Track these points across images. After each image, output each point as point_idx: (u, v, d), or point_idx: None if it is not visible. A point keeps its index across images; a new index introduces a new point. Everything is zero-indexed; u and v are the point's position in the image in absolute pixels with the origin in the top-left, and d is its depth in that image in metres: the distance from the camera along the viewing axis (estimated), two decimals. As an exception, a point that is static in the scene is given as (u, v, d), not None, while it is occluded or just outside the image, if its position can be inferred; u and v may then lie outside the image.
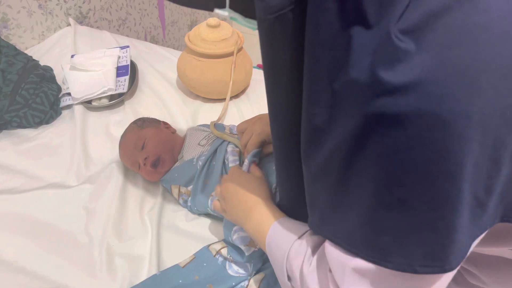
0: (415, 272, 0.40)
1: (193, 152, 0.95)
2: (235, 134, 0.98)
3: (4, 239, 0.87)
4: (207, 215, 0.94)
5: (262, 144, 0.85)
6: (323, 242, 0.53)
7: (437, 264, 0.39)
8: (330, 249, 0.47)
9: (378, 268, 0.42)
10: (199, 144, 0.97)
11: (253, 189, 0.72)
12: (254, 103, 1.27)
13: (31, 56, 1.24)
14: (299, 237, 0.57)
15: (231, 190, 0.74)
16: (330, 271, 0.49)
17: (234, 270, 0.82)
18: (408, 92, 0.33)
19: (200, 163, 0.93)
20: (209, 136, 0.98)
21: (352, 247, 0.44)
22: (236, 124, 1.08)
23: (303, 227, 0.59)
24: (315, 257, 0.53)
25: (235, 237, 0.80)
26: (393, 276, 0.42)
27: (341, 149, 0.40)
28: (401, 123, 0.34)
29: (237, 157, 0.92)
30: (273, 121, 0.54)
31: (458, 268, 0.41)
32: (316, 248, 0.54)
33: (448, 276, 0.43)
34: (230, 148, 0.93)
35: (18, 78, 1.11)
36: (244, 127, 0.90)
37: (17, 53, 1.19)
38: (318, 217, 0.48)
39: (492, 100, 0.34)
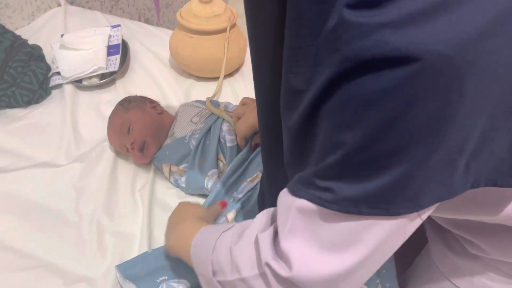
0: (360, 213, 0.39)
1: (185, 129, 0.93)
2: (230, 112, 0.96)
3: (-8, 218, 0.85)
4: (200, 194, 0.92)
5: (255, 132, 0.86)
6: (247, 225, 0.54)
7: (382, 206, 0.38)
8: (281, 197, 0.47)
9: (321, 208, 0.41)
10: (191, 121, 0.95)
11: (184, 214, 0.75)
12: (249, 82, 1.24)
13: (19, 35, 1.21)
14: (224, 231, 0.58)
15: (172, 214, 0.78)
16: (270, 226, 0.50)
17: None
18: (388, 33, 0.31)
19: (194, 142, 0.91)
20: (202, 113, 0.96)
21: (299, 189, 0.43)
22: (231, 102, 1.06)
23: (226, 225, 0.60)
24: (242, 233, 0.54)
25: None
26: (336, 217, 0.41)
27: (310, 103, 0.39)
28: (377, 67, 0.32)
29: (234, 137, 0.90)
30: (257, 88, 0.54)
31: (409, 218, 0.40)
32: (241, 231, 0.54)
33: (396, 224, 0.40)
34: (225, 126, 0.91)
35: (6, 56, 1.09)
36: (241, 112, 0.89)
37: (5, 31, 1.16)
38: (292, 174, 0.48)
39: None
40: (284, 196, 0.46)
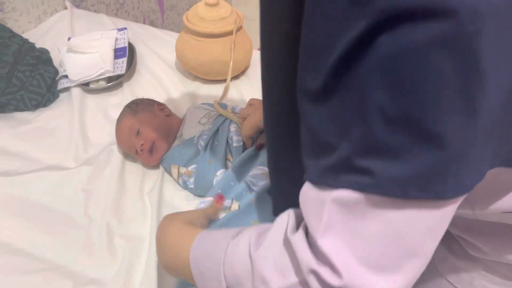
0: (407, 196, 0.34)
1: (193, 130, 0.94)
2: (238, 113, 0.97)
3: (1, 221, 0.86)
4: (208, 196, 0.92)
5: (260, 131, 0.85)
6: (266, 228, 0.48)
7: (432, 188, 0.34)
8: (305, 193, 0.41)
9: (364, 195, 0.36)
10: (199, 122, 0.95)
11: (169, 223, 0.65)
12: (255, 84, 1.25)
13: (27, 39, 1.22)
14: (233, 238, 0.51)
15: (158, 230, 0.67)
16: (297, 230, 0.43)
17: None
18: None
19: (202, 143, 0.92)
20: (209, 115, 0.97)
21: (329, 178, 0.38)
22: (237, 105, 1.07)
23: (231, 230, 0.53)
24: (263, 238, 0.46)
25: None
26: (381, 203, 0.36)
27: (337, 62, 0.34)
28: (418, 18, 0.29)
29: (240, 138, 0.90)
30: (265, 83, 0.53)
31: (456, 203, 0.36)
32: (260, 235, 0.48)
33: (443, 209, 0.36)
34: (233, 127, 0.92)
35: (14, 60, 1.09)
36: (246, 113, 0.89)
37: (12, 35, 1.17)
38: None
39: None
40: (310, 192, 0.40)
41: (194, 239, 0.55)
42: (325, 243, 0.38)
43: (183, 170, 0.92)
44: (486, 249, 0.60)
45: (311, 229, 0.40)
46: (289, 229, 0.44)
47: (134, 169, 0.98)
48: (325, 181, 0.38)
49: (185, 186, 0.92)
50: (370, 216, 0.36)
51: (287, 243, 0.43)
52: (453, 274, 0.69)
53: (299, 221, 0.45)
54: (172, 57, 1.31)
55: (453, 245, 0.67)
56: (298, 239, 0.41)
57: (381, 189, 0.34)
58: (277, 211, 0.58)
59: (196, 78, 1.25)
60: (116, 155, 1.00)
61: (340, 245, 0.38)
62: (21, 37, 1.20)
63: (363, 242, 0.37)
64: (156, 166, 0.98)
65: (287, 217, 0.46)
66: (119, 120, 0.99)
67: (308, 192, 0.41)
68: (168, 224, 0.64)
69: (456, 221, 0.55)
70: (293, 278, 0.41)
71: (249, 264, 0.45)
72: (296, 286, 0.41)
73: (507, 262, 0.58)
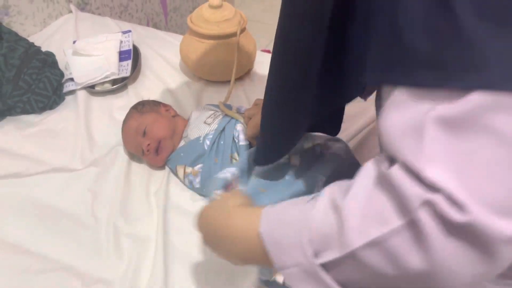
0: None
1: (199, 130, 0.95)
2: (243, 113, 0.98)
3: (9, 222, 0.87)
4: (214, 196, 0.93)
5: None
6: (348, 181, 0.41)
7: None
8: (393, 120, 0.35)
9: (470, 102, 0.30)
10: (205, 122, 0.96)
11: (220, 211, 0.57)
12: (259, 85, 1.25)
13: (32, 43, 1.23)
14: (308, 202, 0.44)
15: (203, 222, 0.60)
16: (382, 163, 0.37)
17: None
18: None
19: (208, 142, 0.92)
20: (215, 115, 0.98)
21: (438, 76, 0.31)
22: (242, 105, 1.08)
23: (301, 198, 0.47)
24: (348, 187, 0.39)
25: None
26: (493, 112, 0.29)
27: None
28: None
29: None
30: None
31: None
32: (343, 186, 0.41)
33: None
34: (239, 127, 0.93)
35: (20, 63, 1.11)
36: (252, 113, 0.90)
37: (19, 38, 1.19)
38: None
39: None
40: (401, 117, 0.34)
41: (261, 214, 0.47)
42: (435, 174, 0.31)
43: (189, 170, 0.92)
44: None
45: (410, 163, 0.33)
46: (383, 167, 0.36)
47: (140, 170, 0.99)
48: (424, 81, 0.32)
49: (191, 186, 0.93)
50: (481, 132, 0.30)
51: (383, 182, 0.36)
52: None
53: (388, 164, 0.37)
54: (176, 59, 1.32)
55: None
56: (400, 172, 0.34)
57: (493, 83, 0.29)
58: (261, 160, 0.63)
59: (200, 79, 1.26)
60: (122, 156, 1.01)
61: (454, 177, 0.31)
62: (27, 40, 1.22)
63: (480, 171, 0.31)
64: (161, 167, 0.99)
65: (372, 162, 0.39)
66: (125, 121, 1.00)
67: (397, 120, 0.35)
68: (223, 213, 0.55)
69: None
70: (396, 222, 0.33)
71: (337, 217, 0.38)
72: (401, 232, 0.33)
73: None
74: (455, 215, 0.30)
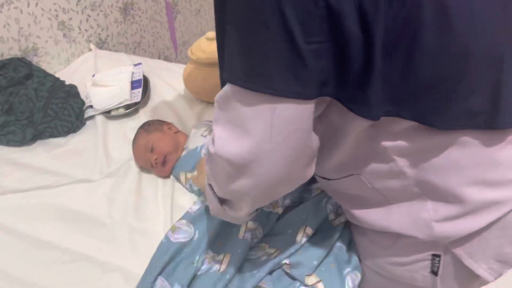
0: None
1: (196, 142, 1.12)
2: None
3: (43, 224, 1.04)
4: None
5: None
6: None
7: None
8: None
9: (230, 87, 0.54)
10: (201, 135, 1.13)
11: None
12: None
13: (58, 77, 1.45)
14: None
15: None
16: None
17: None
18: None
19: (204, 151, 1.09)
20: (210, 128, 1.15)
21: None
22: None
23: None
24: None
25: None
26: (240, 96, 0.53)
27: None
28: None
29: None
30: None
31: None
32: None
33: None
34: None
35: (49, 95, 1.31)
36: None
37: (47, 74, 1.40)
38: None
39: None
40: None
41: None
42: (214, 128, 0.58)
43: (189, 175, 1.09)
44: (357, 216, 0.76)
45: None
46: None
47: (150, 180, 1.16)
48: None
49: (191, 189, 1.09)
50: (233, 105, 0.54)
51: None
52: (358, 249, 0.87)
53: None
54: (181, 85, 1.51)
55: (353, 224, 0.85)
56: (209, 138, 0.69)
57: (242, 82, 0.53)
58: None
59: (201, 102, 1.44)
60: (134, 169, 1.18)
61: (220, 128, 0.57)
62: (54, 76, 1.43)
63: (229, 121, 0.56)
64: (167, 177, 1.16)
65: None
66: (135, 140, 1.17)
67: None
68: None
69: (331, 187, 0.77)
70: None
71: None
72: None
73: (376, 229, 0.73)
74: (211, 149, 0.59)
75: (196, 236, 0.96)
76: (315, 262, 0.85)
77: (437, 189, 0.62)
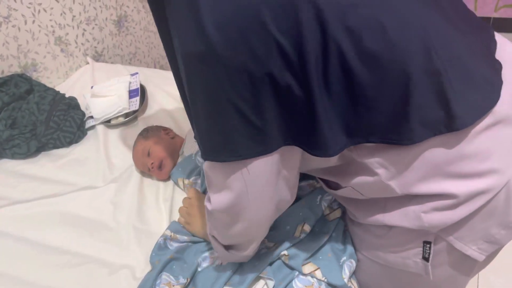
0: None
1: (191, 148, 1.17)
2: None
3: (52, 231, 1.09)
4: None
5: None
6: None
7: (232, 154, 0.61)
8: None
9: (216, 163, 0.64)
10: (195, 141, 1.18)
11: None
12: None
13: (58, 91, 1.50)
14: None
15: (193, 203, 1.01)
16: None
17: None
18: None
19: (199, 159, 1.14)
20: None
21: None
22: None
23: None
24: None
25: None
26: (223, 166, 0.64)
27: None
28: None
29: None
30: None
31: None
32: None
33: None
34: None
35: (50, 107, 1.36)
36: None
37: (47, 88, 1.45)
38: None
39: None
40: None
41: None
42: (209, 191, 0.72)
43: (186, 181, 1.14)
44: (355, 213, 0.82)
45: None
46: None
47: (151, 184, 1.22)
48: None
49: None
50: (210, 173, 0.68)
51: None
52: (353, 238, 0.92)
53: None
54: (177, 92, 1.55)
55: (348, 215, 0.91)
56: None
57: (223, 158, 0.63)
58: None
59: (197, 106, 1.49)
60: (136, 174, 1.24)
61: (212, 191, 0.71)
62: (54, 89, 1.48)
63: (212, 185, 0.70)
64: (167, 180, 1.21)
65: None
66: (134, 146, 1.23)
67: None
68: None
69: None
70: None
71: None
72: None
73: (371, 223, 0.79)
74: (208, 207, 0.73)
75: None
76: (311, 252, 0.90)
77: (422, 194, 0.67)
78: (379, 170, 0.66)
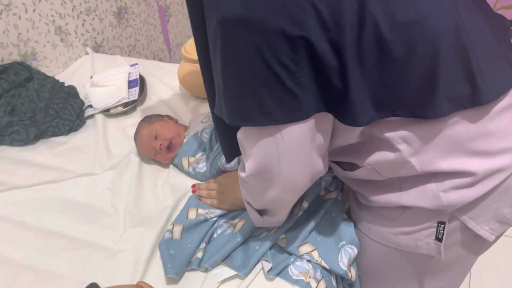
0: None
1: (197, 128, 1.19)
2: None
3: (50, 216, 1.10)
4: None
5: None
6: None
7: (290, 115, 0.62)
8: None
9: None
10: (201, 121, 1.21)
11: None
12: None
13: (58, 79, 1.50)
14: None
15: (224, 183, 1.04)
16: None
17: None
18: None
19: (205, 135, 1.16)
20: (209, 116, 1.23)
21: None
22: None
23: None
24: None
25: None
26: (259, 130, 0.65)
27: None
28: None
29: None
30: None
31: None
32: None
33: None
34: None
35: (49, 95, 1.37)
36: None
37: (46, 77, 1.46)
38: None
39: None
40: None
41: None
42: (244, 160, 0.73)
43: (192, 159, 1.15)
44: (368, 197, 0.82)
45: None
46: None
47: (149, 170, 1.23)
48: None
49: (194, 173, 1.15)
50: (243, 138, 0.69)
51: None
52: (359, 222, 0.92)
53: None
54: (175, 83, 1.57)
55: (356, 199, 0.91)
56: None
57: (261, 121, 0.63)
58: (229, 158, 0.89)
59: (196, 98, 1.50)
60: (134, 161, 1.24)
61: (246, 160, 0.72)
62: (53, 78, 1.49)
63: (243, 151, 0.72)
64: (166, 166, 1.22)
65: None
66: (137, 131, 1.23)
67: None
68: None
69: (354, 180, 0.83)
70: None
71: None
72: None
73: (383, 205, 0.79)
74: (242, 175, 0.75)
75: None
76: (308, 232, 0.92)
77: (441, 171, 0.68)
78: (401, 146, 0.66)
